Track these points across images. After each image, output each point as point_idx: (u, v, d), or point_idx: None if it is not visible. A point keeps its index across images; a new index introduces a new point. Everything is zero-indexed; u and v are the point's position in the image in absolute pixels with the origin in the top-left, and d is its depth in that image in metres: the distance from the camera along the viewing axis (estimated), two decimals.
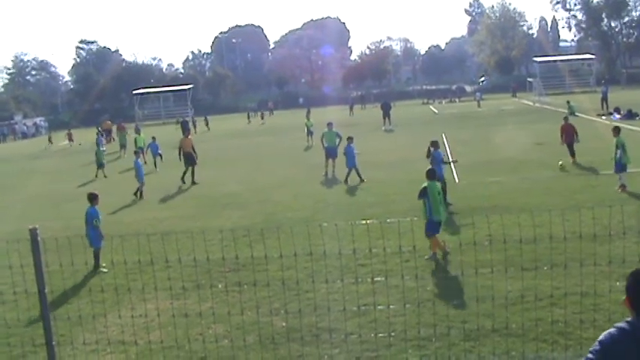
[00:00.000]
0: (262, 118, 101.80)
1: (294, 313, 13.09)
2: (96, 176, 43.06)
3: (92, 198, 20.18)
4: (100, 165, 44.34)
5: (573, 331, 11.82)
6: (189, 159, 37.57)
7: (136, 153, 36.55)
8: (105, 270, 18.79)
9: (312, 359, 11.87)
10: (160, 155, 45.28)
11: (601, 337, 5.57)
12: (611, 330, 5.57)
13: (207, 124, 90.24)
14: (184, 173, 37.23)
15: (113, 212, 29.27)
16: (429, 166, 23.49)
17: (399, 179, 31.29)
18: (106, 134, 77.29)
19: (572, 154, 32.73)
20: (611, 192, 24.42)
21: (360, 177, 32.20)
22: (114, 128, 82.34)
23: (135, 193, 33.17)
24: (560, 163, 30.98)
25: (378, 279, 14.46)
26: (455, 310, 13.05)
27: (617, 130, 26.01)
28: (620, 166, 24.82)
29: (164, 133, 67.32)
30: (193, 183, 36.77)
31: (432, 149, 25.64)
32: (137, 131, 56.30)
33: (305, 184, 32.07)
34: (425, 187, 17.80)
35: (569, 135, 33.21)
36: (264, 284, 13.23)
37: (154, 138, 47.92)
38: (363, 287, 14.27)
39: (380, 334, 12.21)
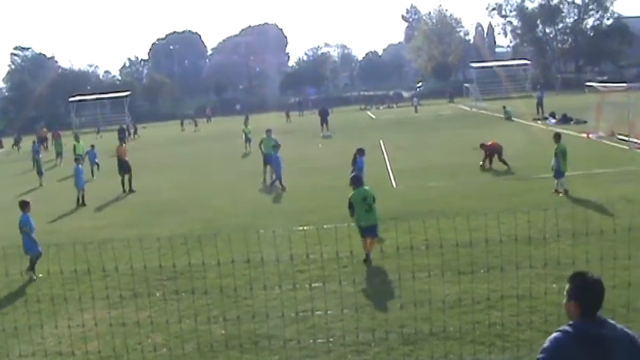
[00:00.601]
0: (196, 125, 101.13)
1: (233, 321, 13.07)
2: (40, 185, 42.36)
3: (23, 205, 19.95)
4: (40, 173, 43.66)
5: (510, 334, 11.98)
6: (125, 166, 37.50)
7: (76, 160, 35.94)
8: (35, 278, 18.58)
9: None
10: (97, 164, 44.99)
11: (547, 343, 5.65)
12: (556, 334, 5.67)
13: (135, 132, 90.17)
14: (123, 182, 37.09)
15: (51, 221, 28.94)
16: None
17: (338, 185, 31.28)
18: (41, 142, 76.40)
19: (491, 161, 33.15)
20: (546, 195, 24.79)
21: (280, 185, 32.77)
22: (49, 136, 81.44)
23: (78, 202, 32.88)
24: (481, 164, 32.07)
25: (316, 285, 14.47)
26: (393, 315, 13.12)
27: (558, 137, 26.14)
28: (560, 173, 25.17)
29: (102, 141, 66.78)
30: (131, 191, 36.63)
31: (357, 156, 26.18)
32: (76, 139, 55.54)
33: (243, 190, 32.02)
34: (350, 201, 17.99)
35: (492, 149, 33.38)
36: (203, 292, 13.21)
37: (92, 146, 47.52)
38: (301, 293, 14.29)
39: (319, 340, 12.24)
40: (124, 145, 40.41)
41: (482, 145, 33.28)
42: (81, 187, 33.36)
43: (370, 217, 18.02)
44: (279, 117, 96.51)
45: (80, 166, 34.50)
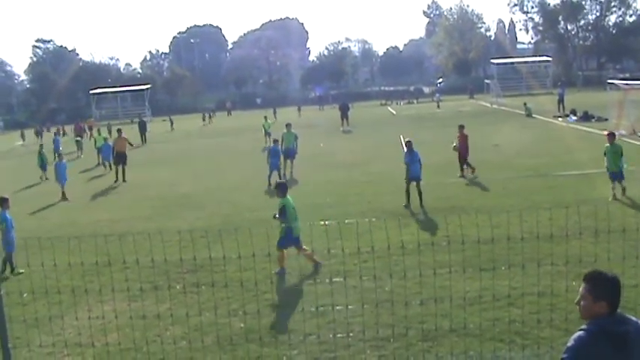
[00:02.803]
0: (210, 118, 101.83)
1: (253, 314, 13.05)
2: (46, 178, 41.97)
3: (1, 202, 19.89)
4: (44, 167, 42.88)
5: (530, 331, 11.91)
6: (121, 158, 39.39)
7: (59, 155, 36.26)
8: (22, 270, 18.67)
9: None
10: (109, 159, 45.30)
11: (571, 342, 5.60)
12: (580, 333, 5.62)
13: (171, 125, 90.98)
14: (117, 172, 39.27)
15: (67, 214, 29.09)
16: (398, 166, 23.61)
17: (357, 180, 31.37)
18: (83, 131, 77.51)
19: (463, 165, 31.21)
20: (567, 193, 24.63)
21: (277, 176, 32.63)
22: (86, 127, 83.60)
23: (64, 196, 33.53)
24: (454, 144, 31.45)
25: (337, 280, 14.45)
26: (413, 311, 13.06)
27: (612, 136, 24.03)
28: (614, 175, 23.42)
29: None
30: (124, 180, 38.57)
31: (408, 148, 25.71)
32: (97, 131, 56.07)
33: (263, 184, 31.97)
34: (283, 206, 17.61)
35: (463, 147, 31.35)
36: (223, 285, 13.17)
37: (105, 139, 47.79)
38: (321, 288, 14.25)
39: (338, 335, 12.21)
40: (123, 136, 41.32)
41: (461, 128, 32.03)
42: (62, 183, 33.79)
43: (299, 227, 17.61)
44: (293, 112, 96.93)
45: (63, 161, 34.60)
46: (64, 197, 33.37)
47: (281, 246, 17.30)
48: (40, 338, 13.01)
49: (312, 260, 17.41)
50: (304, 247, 17.46)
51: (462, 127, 32.00)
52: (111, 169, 43.56)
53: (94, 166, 47.20)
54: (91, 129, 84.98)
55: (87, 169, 47.05)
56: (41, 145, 45.63)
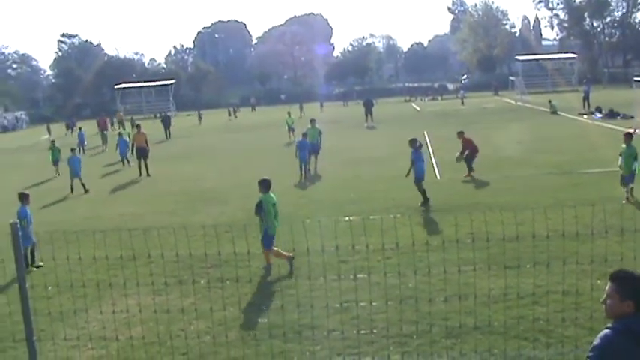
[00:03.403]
0: (234, 113, 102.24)
1: (277, 310, 13.08)
2: (58, 174, 41.70)
3: (22, 198, 20.00)
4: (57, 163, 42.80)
5: (555, 329, 11.87)
6: (141, 153, 39.64)
7: (72, 150, 36.35)
8: (41, 264, 18.82)
9: (293, 355, 11.85)
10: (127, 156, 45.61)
11: (597, 341, 5.57)
12: (606, 332, 5.59)
13: (199, 119, 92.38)
14: (139, 166, 39.46)
15: (92, 207, 29.25)
16: (408, 164, 23.56)
17: (381, 176, 31.30)
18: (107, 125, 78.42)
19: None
20: (591, 191, 24.49)
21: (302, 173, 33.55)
22: (119, 119, 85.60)
23: (72, 190, 33.85)
24: (458, 155, 30.60)
25: (361, 276, 14.44)
26: (437, 308, 13.03)
27: (629, 137, 23.31)
28: (632, 178, 22.89)
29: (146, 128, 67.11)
30: (147, 175, 38.87)
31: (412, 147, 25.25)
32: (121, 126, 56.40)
33: (286, 180, 32.01)
34: (260, 202, 17.57)
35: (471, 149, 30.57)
36: (247, 280, 13.24)
37: (120, 135, 47.97)
38: (345, 284, 14.23)
39: (362, 331, 12.21)
40: (142, 132, 41.69)
41: (460, 135, 31.29)
42: (76, 176, 34.00)
43: (277, 224, 17.56)
44: (326, 106, 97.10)
45: (77, 156, 34.79)
46: (84, 189, 33.69)
47: (266, 247, 17.35)
48: (64, 331, 13.08)
49: (284, 257, 17.23)
50: (274, 248, 17.32)
51: (461, 133, 31.28)
52: (123, 164, 44.34)
53: (119, 161, 47.42)
54: (121, 122, 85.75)
55: (110, 163, 47.24)
56: (53, 142, 45.39)
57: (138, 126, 43.56)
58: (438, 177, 30.15)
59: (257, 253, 12.29)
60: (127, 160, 44.64)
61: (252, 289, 14.37)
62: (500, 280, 13.39)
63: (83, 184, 33.84)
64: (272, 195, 17.92)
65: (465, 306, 12.74)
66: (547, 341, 11.55)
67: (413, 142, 25.25)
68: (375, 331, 12.25)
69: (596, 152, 33.93)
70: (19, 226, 15.15)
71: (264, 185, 17.86)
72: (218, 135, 68.55)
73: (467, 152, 30.01)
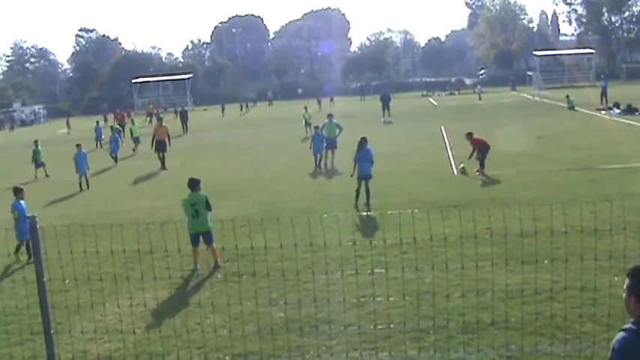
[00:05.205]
0: (247, 108, 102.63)
1: (293, 304, 13.06)
2: (46, 175, 40.60)
3: (16, 192, 20.14)
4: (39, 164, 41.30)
5: (572, 325, 11.81)
6: (161, 146, 39.93)
7: (77, 145, 35.60)
8: (21, 259, 19.13)
9: (310, 350, 11.85)
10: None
11: (615, 344, 5.49)
12: (623, 334, 5.51)
13: (222, 111, 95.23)
14: (160, 158, 39.94)
15: (110, 201, 29.31)
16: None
17: (398, 171, 31.23)
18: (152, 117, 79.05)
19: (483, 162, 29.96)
20: (609, 186, 24.37)
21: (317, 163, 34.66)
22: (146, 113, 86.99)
23: (80, 187, 33.61)
24: (462, 166, 30.29)
25: (378, 271, 14.42)
26: (454, 303, 12.99)
27: None
28: None
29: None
30: (163, 169, 39.27)
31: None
32: (132, 121, 56.32)
33: (304, 174, 32.00)
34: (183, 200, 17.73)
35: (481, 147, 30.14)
36: (264, 275, 13.20)
37: (112, 130, 48.10)
38: (362, 279, 14.20)
39: (379, 326, 12.18)
40: (163, 125, 41.87)
41: (469, 136, 31.32)
42: (82, 173, 33.88)
43: (197, 224, 17.50)
44: (341, 101, 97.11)
45: (83, 151, 34.69)
46: (87, 185, 33.68)
47: (192, 243, 17.48)
48: (81, 324, 13.10)
49: (215, 259, 17.40)
50: (196, 247, 17.40)
51: (470, 134, 30.81)
52: (116, 162, 44.31)
53: (133, 155, 47.51)
54: (150, 115, 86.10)
55: (126, 156, 47.36)
56: (36, 141, 43.87)
57: (160, 119, 43.73)
58: (455, 172, 30.06)
59: (274, 248, 12.23)
60: (115, 157, 44.54)
61: (268, 283, 14.33)
62: (518, 276, 13.35)
63: (87, 181, 33.87)
64: (200, 193, 17.95)
65: (482, 301, 12.71)
66: (564, 337, 11.49)
67: (361, 142, 25.32)
68: (391, 326, 12.22)
69: (614, 148, 33.74)
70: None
71: (190, 184, 18.08)
72: (235, 129, 68.64)
73: (477, 151, 29.82)
